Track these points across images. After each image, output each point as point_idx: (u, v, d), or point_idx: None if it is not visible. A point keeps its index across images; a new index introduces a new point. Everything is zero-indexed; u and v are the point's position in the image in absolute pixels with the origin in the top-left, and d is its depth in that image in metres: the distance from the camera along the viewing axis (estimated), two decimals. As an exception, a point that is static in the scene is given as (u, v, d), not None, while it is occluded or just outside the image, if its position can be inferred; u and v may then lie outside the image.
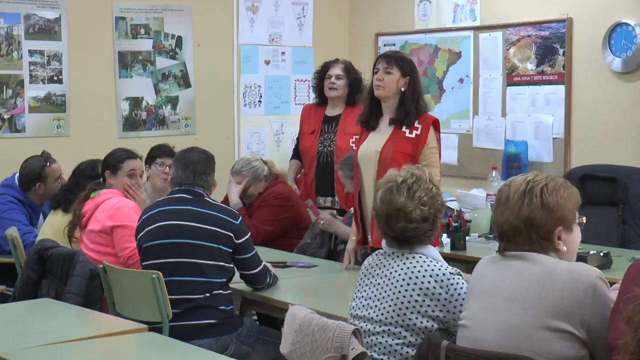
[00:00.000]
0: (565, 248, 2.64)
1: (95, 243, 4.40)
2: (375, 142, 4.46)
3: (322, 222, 5.08)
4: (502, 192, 2.70)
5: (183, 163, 4.09)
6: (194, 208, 3.99)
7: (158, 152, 5.42)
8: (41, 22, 6.35)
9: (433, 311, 2.90)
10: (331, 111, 5.99)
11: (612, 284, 2.65)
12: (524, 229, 2.62)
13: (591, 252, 4.34)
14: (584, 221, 2.74)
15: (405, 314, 2.91)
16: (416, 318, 2.90)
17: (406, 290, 2.93)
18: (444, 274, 2.93)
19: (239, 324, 4.02)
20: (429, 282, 2.92)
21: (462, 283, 2.94)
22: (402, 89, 4.44)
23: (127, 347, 3.15)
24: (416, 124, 4.43)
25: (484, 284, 2.69)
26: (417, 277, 2.94)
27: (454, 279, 2.93)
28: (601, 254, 4.36)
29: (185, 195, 4.05)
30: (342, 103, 5.94)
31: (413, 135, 4.41)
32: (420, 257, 3.00)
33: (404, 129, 4.43)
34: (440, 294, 2.91)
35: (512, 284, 2.61)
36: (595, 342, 2.51)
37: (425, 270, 2.95)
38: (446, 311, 2.90)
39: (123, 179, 4.60)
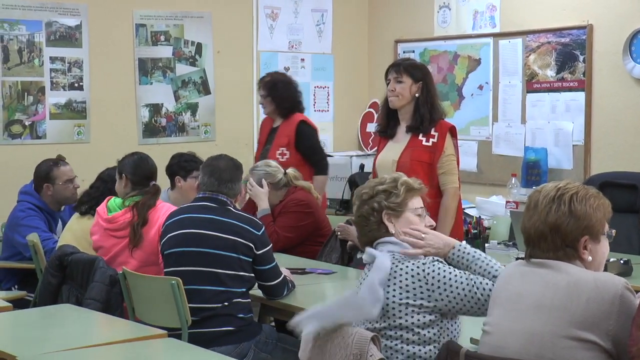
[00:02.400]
0: (590, 258, 2.62)
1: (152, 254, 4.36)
2: (392, 151, 4.46)
3: (339, 231, 5.08)
4: (532, 197, 2.69)
5: (210, 170, 4.11)
6: (217, 217, 3.99)
7: (194, 165, 5.26)
8: (62, 30, 6.40)
9: (418, 302, 2.90)
10: (276, 123, 5.99)
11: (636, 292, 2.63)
12: (549, 234, 2.61)
13: (611, 260, 4.32)
14: (614, 234, 2.71)
15: (394, 314, 2.92)
16: (406, 314, 2.91)
17: (393, 290, 2.94)
18: (418, 267, 2.93)
19: (258, 331, 4.02)
20: (406, 279, 2.93)
21: (440, 267, 2.93)
22: (417, 95, 4.45)
23: (148, 352, 3.15)
24: (432, 132, 4.43)
25: (508, 291, 2.68)
26: (395, 277, 2.95)
27: (430, 266, 2.93)
28: (621, 261, 4.34)
29: (209, 204, 4.05)
30: (278, 116, 5.94)
31: (430, 144, 4.42)
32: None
33: (420, 136, 4.43)
34: (420, 286, 2.91)
35: (537, 292, 2.59)
36: (621, 353, 2.49)
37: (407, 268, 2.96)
38: (434, 300, 2.90)
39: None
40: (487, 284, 2.91)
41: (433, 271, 2.92)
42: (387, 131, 4.54)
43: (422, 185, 3.15)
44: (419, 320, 2.91)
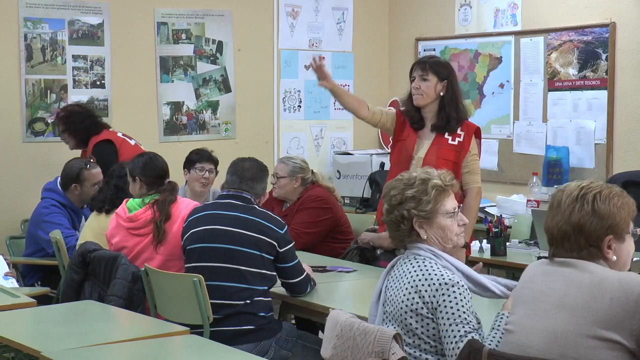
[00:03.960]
0: (615, 257, 2.60)
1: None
2: (417, 148, 4.45)
3: (363, 240, 5.09)
4: (555, 196, 2.68)
5: (233, 168, 4.16)
6: (241, 214, 4.01)
7: (197, 157, 5.48)
8: (85, 28, 6.43)
9: (424, 312, 2.89)
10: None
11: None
12: (572, 234, 2.59)
13: (634, 259, 4.29)
14: (639, 232, 2.70)
15: (402, 317, 2.92)
16: (412, 318, 2.90)
17: (403, 295, 2.94)
18: (440, 284, 2.88)
19: (278, 329, 4.04)
20: (429, 286, 2.90)
21: (458, 297, 2.86)
22: (441, 94, 4.43)
23: (170, 349, 3.17)
24: (459, 131, 4.42)
25: (532, 289, 2.67)
26: (413, 280, 2.94)
27: (453, 290, 2.87)
28: (646, 260, 4.31)
29: (234, 201, 4.07)
30: (82, 147, 5.90)
31: (456, 143, 4.41)
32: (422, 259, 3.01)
33: (446, 135, 4.42)
34: (426, 291, 2.89)
35: (560, 290, 2.58)
36: None
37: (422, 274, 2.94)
38: (432, 310, 2.88)
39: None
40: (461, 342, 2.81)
41: (449, 295, 2.86)
42: (417, 123, 4.51)
43: (454, 180, 3.11)
44: (427, 330, 2.91)
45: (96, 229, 4.78)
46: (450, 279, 2.89)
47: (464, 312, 2.85)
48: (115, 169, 4.98)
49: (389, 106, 7.56)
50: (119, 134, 5.88)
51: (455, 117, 4.41)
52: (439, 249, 3.03)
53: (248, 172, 4.12)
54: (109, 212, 4.77)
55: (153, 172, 4.51)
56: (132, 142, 5.88)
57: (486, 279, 3.11)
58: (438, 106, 4.45)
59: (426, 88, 4.43)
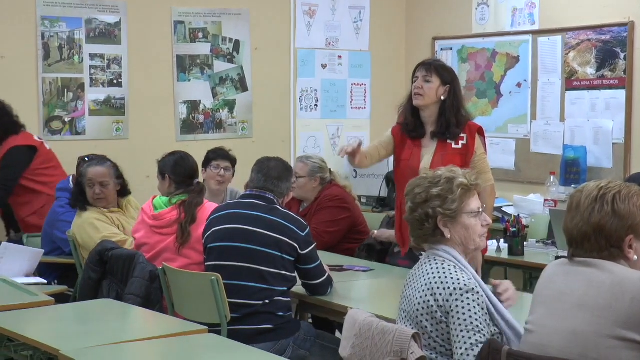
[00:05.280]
0: (636, 257, 2.59)
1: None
2: (420, 157, 4.39)
3: (377, 235, 5.08)
4: (574, 197, 2.66)
5: (259, 167, 4.15)
6: (263, 215, 4.00)
7: (213, 155, 5.49)
8: (102, 27, 6.44)
9: (438, 315, 2.87)
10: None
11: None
12: (593, 235, 2.58)
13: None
14: None
15: (417, 317, 2.90)
16: (427, 321, 2.88)
17: (420, 295, 2.92)
18: (454, 289, 2.85)
19: (297, 328, 4.03)
20: (444, 289, 2.87)
21: (471, 304, 2.83)
22: (442, 98, 4.39)
23: (189, 348, 3.17)
24: (461, 134, 4.37)
25: (551, 289, 2.65)
26: (429, 282, 2.92)
27: (467, 296, 2.83)
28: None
29: (257, 202, 4.06)
30: None
31: (460, 146, 4.37)
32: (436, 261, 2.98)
33: (448, 140, 4.38)
34: (441, 294, 2.86)
35: (580, 290, 2.57)
36: None
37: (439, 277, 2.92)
38: (445, 313, 2.85)
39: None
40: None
41: (463, 302, 2.82)
42: (415, 130, 4.46)
43: (478, 180, 3.09)
44: (442, 334, 2.89)
45: (76, 225, 4.92)
46: (465, 284, 2.85)
47: (477, 320, 2.80)
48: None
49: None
50: (36, 137, 5.86)
51: (454, 123, 4.36)
52: (461, 256, 2.97)
53: (274, 171, 4.11)
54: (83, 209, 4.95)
55: (183, 171, 4.52)
56: (47, 147, 5.87)
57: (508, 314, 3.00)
58: (438, 111, 4.40)
59: (428, 89, 4.38)
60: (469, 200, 3.02)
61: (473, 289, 2.85)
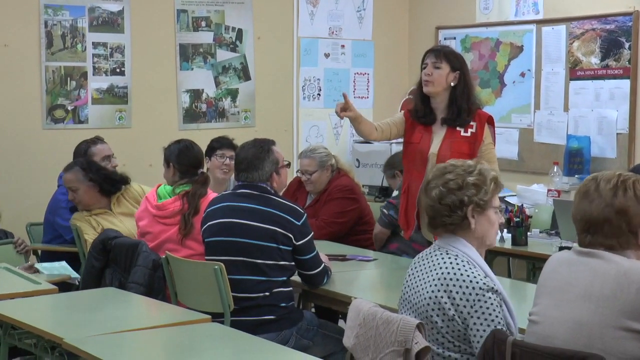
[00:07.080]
0: None
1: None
2: (429, 142, 4.37)
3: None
4: (589, 184, 2.65)
5: (236, 166, 4.07)
6: (257, 206, 3.94)
7: (218, 144, 5.47)
8: (105, 15, 6.43)
9: (451, 313, 2.84)
10: None
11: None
12: (615, 218, 2.57)
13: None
14: None
15: (426, 311, 2.89)
16: (437, 316, 2.86)
17: (431, 289, 2.90)
18: (474, 287, 2.82)
19: (299, 318, 4.02)
20: (460, 286, 2.84)
21: (493, 304, 2.81)
22: (452, 84, 4.37)
23: (192, 337, 3.16)
24: (471, 122, 4.36)
25: (556, 280, 2.65)
26: (443, 277, 2.88)
27: (488, 295, 2.81)
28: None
29: (250, 191, 3.99)
30: None
31: (469, 134, 4.34)
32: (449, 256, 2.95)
33: (458, 128, 4.36)
34: (457, 293, 2.83)
35: (585, 281, 2.56)
36: None
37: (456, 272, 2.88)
38: (459, 312, 2.83)
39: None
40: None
41: (485, 302, 2.80)
42: (425, 117, 4.44)
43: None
44: (453, 331, 2.87)
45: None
46: (485, 283, 2.82)
47: (497, 317, 2.79)
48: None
49: (409, 95, 7.54)
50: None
51: (466, 110, 4.34)
52: (475, 251, 2.94)
53: (245, 162, 4.00)
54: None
55: (187, 160, 4.50)
56: None
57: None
58: (449, 98, 4.38)
59: (438, 76, 4.35)
60: (496, 195, 2.98)
61: (492, 287, 2.83)
